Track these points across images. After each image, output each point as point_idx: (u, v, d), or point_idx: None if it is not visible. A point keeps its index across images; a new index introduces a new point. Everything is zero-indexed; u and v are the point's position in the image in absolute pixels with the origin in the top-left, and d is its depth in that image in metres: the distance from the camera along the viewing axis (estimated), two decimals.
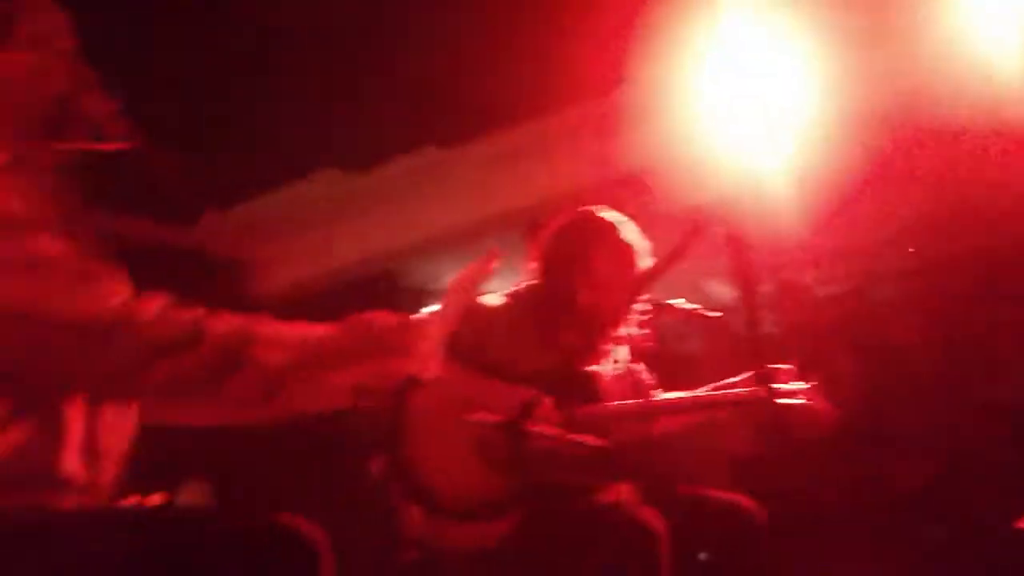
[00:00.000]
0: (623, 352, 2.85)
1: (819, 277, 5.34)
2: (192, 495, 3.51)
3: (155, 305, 1.50)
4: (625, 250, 2.74)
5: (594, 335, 2.67)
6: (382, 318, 1.74)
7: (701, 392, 2.69)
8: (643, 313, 2.80)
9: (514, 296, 2.79)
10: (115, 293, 1.49)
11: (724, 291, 5.61)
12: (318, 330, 1.68)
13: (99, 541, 1.41)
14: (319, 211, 5.25)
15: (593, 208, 2.84)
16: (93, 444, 1.57)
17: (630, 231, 2.78)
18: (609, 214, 2.82)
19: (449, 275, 2.63)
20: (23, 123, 1.61)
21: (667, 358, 3.04)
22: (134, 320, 1.46)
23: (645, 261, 2.74)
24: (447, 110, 4.23)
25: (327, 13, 3.53)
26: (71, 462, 1.53)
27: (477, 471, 2.47)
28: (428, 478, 2.49)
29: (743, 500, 2.67)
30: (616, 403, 2.65)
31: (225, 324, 1.56)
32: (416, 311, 2.69)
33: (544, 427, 2.26)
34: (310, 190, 4.99)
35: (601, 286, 2.70)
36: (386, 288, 5.75)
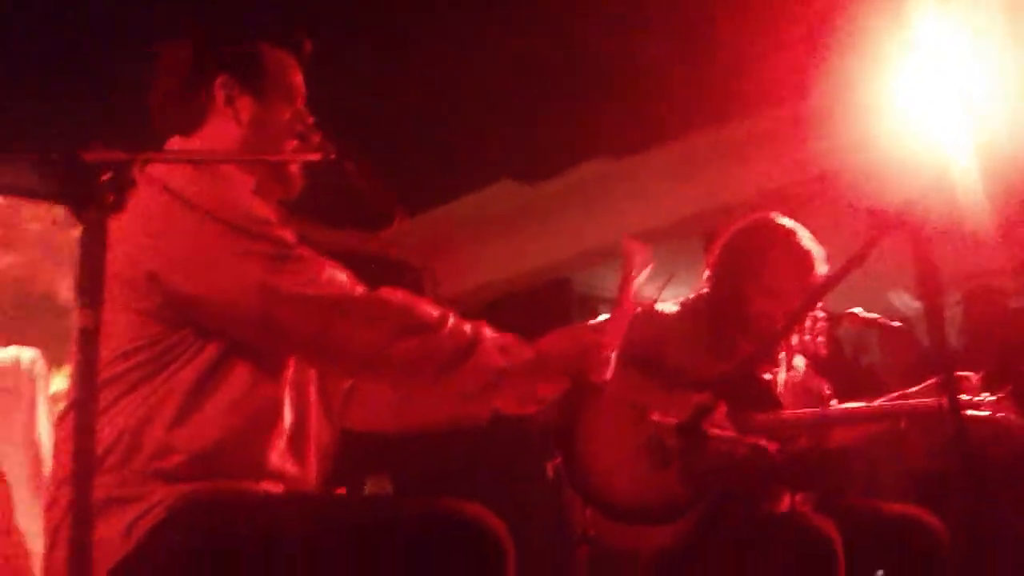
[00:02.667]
0: (799, 360, 2.81)
1: (1014, 286, 5.08)
2: (374, 490, 3.66)
3: (398, 295, 1.64)
4: (801, 257, 2.69)
5: (770, 343, 2.63)
6: (583, 334, 1.78)
7: (879, 402, 2.62)
8: (820, 321, 2.75)
9: (689, 304, 2.79)
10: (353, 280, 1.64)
11: (908, 303, 5.41)
12: (529, 347, 1.77)
13: (300, 526, 1.52)
14: (496, 220, 5.38)
15: (770, 214, 2.81)
16: (301, 440, 1.71)
17: (807, 238, 2.74)
18: (785, 220, 2.78)
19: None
20: (268, 152, 1.82)
21: (845, 369, 2.98)
22: (383, 301, 1.61)
23: (822, 268, 2.69)
24: (621, 121, 4.26)
25: (508, 31, 3.62)
26: (282, 455, 1.66)
27: (650, 474, 2.49)
28: (601, 480, 2.52)
29: (923, 515, 2.57)
30: (791, 411, 2.61)
31: (462, 321, 1.69)
32: (588, 319, 2.75)
33: (720, 431, 2.26)
34: (488, 200, 5.13)
35: (776, 294, 2.66)
36: (560, 297, 5.82)
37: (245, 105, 1.79)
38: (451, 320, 1.66)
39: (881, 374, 4.79)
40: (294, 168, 1.85)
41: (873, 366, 4.91)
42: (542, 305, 5.62)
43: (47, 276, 4.74)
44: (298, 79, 1.87)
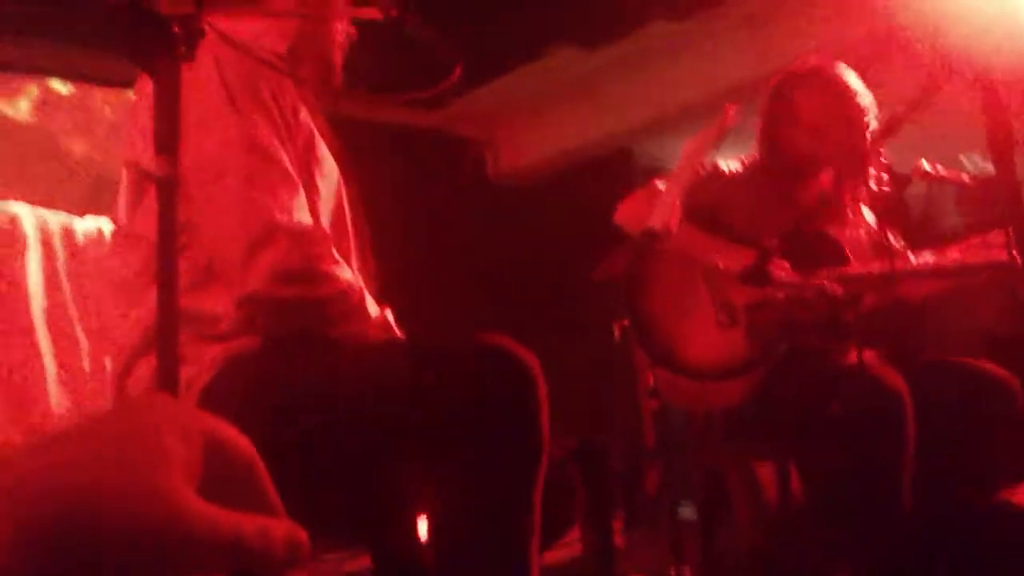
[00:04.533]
0: (869, 215, 2.78)
1: None
2: None
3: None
4: (835, 87, 2.65)
5: (833, 191, 2.60)
6: None
7: (954, 255, 2.57)
8: (884, 169, 2.71)
9: (749, 160, 2.77)
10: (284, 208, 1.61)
11: (981, 165, 5.26)
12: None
13: (340, 369, 1.58)
14: (556, 90, 5.32)
15: (809, 57, 2.76)
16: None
17: (841, 68, 2.69)
18: (814, 60, 2.74)
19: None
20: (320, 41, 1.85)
21: (916, 231, 2.92)
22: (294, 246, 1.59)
23: (864, 99, 2.64)
24: None
25: None
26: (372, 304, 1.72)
27: (717, 332, 2.52)
28: (667, 340, 2.56)
29: (1000, 372, 2.52)
30: (858, 267, 2.59)
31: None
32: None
33: (787, 275, 2.26)
34: (547, 69, 5.06)
35: (819, 130, 2.64)
36: (623, 167, 5.78)
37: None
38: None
39: (956, 236, 4.69)
40: (338, 54, 1.88)
41: (948, 228, 4.80)
42: (605, 176, 5.60)
43: (120, 159, 4.84)
44: None
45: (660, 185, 2.70)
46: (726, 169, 2.72)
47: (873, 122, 2.63)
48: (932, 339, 4.34)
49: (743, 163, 2.76)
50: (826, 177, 2.69)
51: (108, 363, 2.05)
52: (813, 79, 2.69)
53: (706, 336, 2.53)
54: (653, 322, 2.56)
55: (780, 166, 2.71)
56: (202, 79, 1.58)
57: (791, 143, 2.68)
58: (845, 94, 2.64)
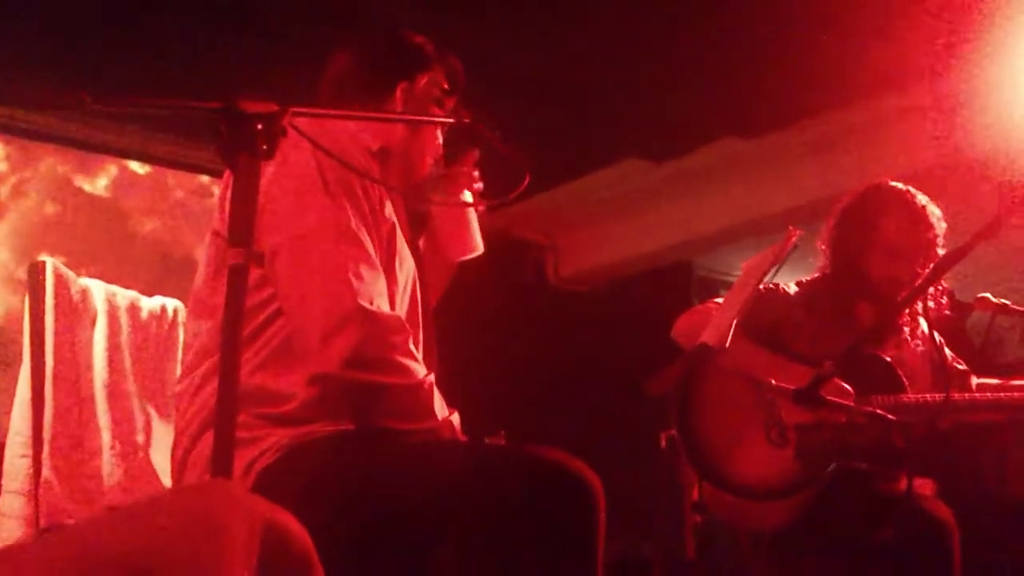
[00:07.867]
0: (934, 336, 2.72)
1: None
2: None
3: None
4: (917, 212, 2.63)
5: (892, 313, 2.55)
6: None
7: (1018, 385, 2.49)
8: (944, 291, 2.68)
9: (807, 283, 2.76)
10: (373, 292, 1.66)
11: None
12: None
13: (399, 467, 1.60)
14: (621, 200, 5.38)
15: (879, 180, 2.75)
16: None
17: (920, 195, 2.67)
18: (896, 183, 2.72)
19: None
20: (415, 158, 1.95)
21: (974, 361, 2.88)
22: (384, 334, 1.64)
23: (940, 225, 2.64)
24: (750, 101, 4.21)
25: (639, 6, 3.62)
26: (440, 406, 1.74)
27: (767, 452, 2.48)
28: (717, 456, 2.52)
29: None
30: (914, 396, 2.55)
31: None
32: (710, 300, 2.77)
33: (840, 398, 2.23)
34: (614, 178, 5.13)
35: (896, 253, 2.61)
36: (681, 279, 5.80)
37: (413, 110, 1.92)
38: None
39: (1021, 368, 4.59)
40: (424, 160, 1.95)
41: (1011, 362, 4.70)
42: (663, 287, 5.62)
43: (187, 240, 4.96)
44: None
45: (719, 302, 2.71)
46: (784, 288, 2.71)
47: (941, 249, 2.63)
48: (991, 472, 4.23)
49: (800, 284, 2.75)
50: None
51: (150, 438, 2.09)
52: (897, 203, 2.67)
53: (754, 454, 2.49)
54: (701, 437, 2.53)
55: (854, 288, 2.68)
56: (299, 166, 1.65)
57: (872, 267, 2.64)
58: (930, 222, 2.63)
